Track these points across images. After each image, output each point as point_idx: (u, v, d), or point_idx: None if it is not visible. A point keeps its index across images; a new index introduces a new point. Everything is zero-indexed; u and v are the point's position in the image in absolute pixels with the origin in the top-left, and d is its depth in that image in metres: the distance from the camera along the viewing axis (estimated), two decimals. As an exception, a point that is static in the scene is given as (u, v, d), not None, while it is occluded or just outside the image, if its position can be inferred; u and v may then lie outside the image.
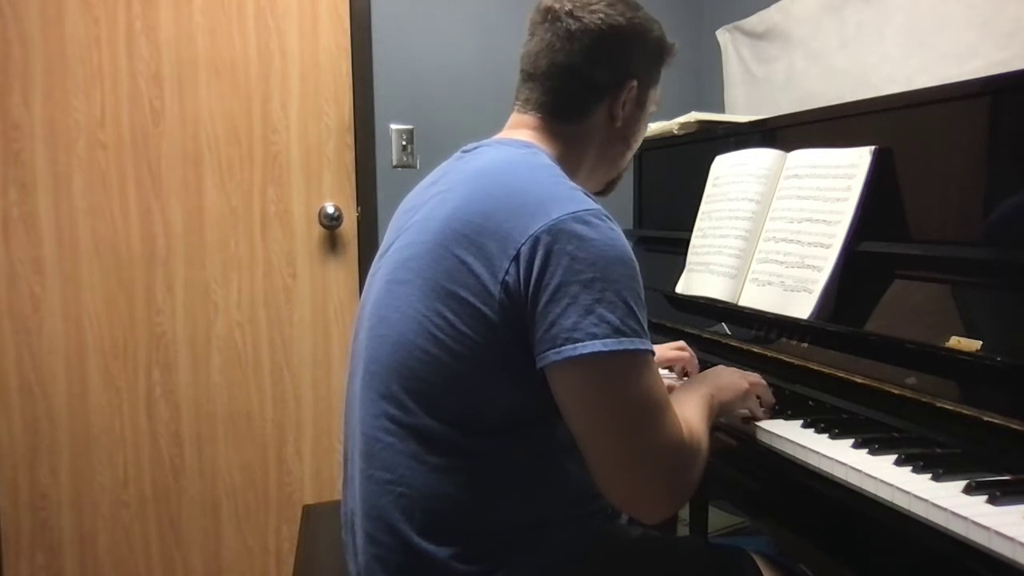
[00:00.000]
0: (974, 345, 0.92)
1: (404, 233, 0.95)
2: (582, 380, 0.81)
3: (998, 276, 0.97)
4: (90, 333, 1.98)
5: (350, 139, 2.16)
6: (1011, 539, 0.68)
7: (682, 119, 1.73)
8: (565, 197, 0.85)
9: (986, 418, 0.87)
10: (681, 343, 1.34)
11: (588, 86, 0.99)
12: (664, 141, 1.83)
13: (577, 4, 0.97)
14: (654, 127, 1.85)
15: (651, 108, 1.08)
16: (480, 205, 0.87)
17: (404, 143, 2.20)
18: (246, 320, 2.10)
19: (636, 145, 1.09)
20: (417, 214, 0.95)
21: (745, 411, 1.08)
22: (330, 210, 2.12)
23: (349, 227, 2.18)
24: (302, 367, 2.17)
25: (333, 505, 1.36)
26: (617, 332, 0.80)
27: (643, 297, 0.85)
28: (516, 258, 0.82)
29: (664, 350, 1.31)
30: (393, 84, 2.17)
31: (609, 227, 0.84)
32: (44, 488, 1.97)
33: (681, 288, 1.56)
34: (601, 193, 1.12)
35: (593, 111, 1.01)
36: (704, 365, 1.36)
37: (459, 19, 2.23)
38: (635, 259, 0.85)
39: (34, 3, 1.88)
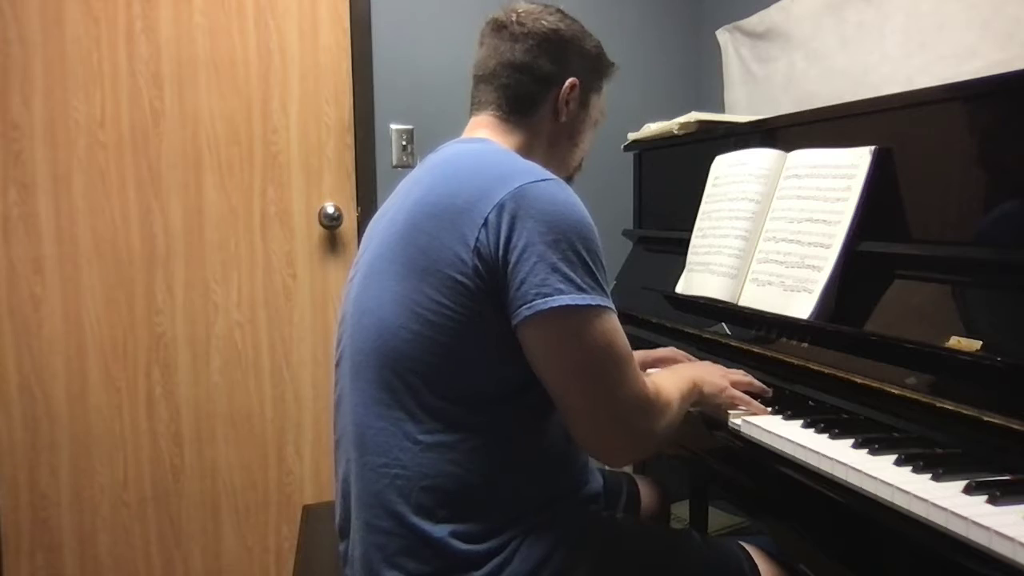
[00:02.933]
0: (974, 345, 0.92)
1: (376, 235, 1.01)
2: (552, 331, 0.87)
3: (998, 276, 0.97)
4: (90, 333, 1.98)
5: (350, 139, 2.16)
6: (1011, 539, 0.68)
7: (682, 119, 1.73)
8: (525, 169, 0.92)
9: (986, 418, 0.87)
10: (672, 348, 1.37)
11: (533, 78, 1.07)
12: (664, 141, 1.84)
13: (522, 14, 1.08)
14: (654, 127, 1.85)
15: (596, 115, 1.16)
16: (445, 187, 0.93)
17: (404, 143, 2.20)
18: (246, 320, 2.10)
19: (584, 148, 1.17)
20: (386, 216, 1.01)
21: (740, 408, 1.10)
22: (330, 210, 2.12)
23: (349, 227, 2.18)
24: (302, 367, 2.17)
25: (333, 505, 1.36)
26: (579, 289, 0.86)
27: (602, 258, 0.91)
28: (485, 224, 0.87)
29: (655, 352, 1.35)
30: (393, 84, 2.18)
31: (567, 193, 0.91)
32: (44, 488, 1.96)
33: (681, 288, 1.56)
34: None
35: (540, 104, 1.08)
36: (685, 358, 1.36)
37: (459, 19, 2.23)
38: (592, 223, 0.92)
39: (34, 3, 1.88)
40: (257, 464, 2.14)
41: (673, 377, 1.04)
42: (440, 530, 0.89)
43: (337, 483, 1.04)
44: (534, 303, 0.85)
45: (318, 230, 2.15)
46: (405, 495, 0.90)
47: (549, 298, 0.85)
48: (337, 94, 2.14)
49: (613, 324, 0.89)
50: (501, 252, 0.86)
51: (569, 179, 1.18)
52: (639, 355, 1.31)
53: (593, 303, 0.87)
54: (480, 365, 0.90)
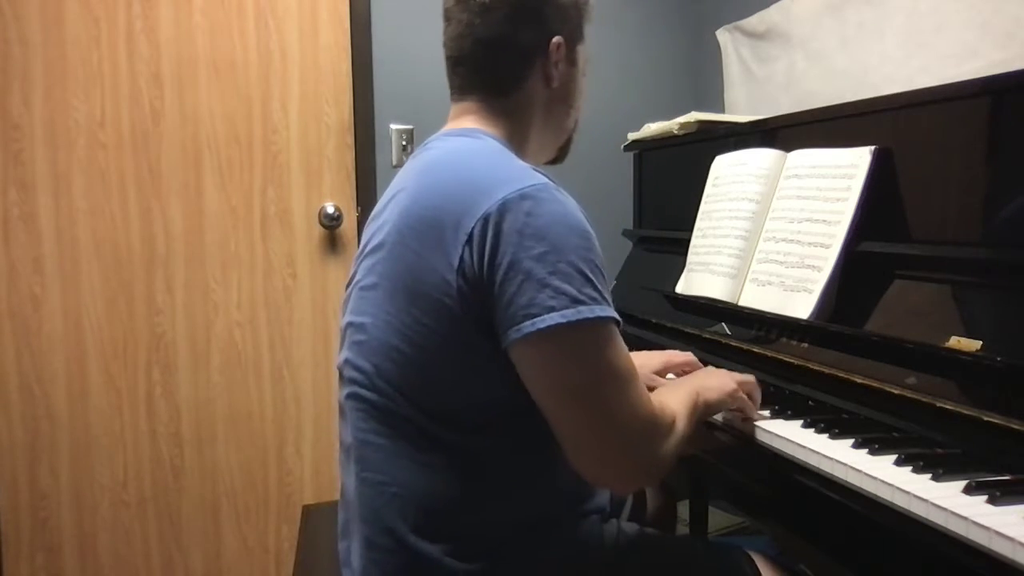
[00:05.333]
0: (974, 345, 0.92)
1: (370, 239, 0.97)
2: (543, 354, 0.80)
3: (998, 276, 0.97)
4: (90, 333, 1.98)
5: (350, 139, 2.16)
6: (1011, 539, 0.68)
7: (682, 119, 1.72)
8: (511, 177, 0.84)
9: (986, 418, 0.87)
10: (689, 353, 1.32)
11: (516, 52, 0.98)
12: (664, 141, 1.83)
13: None
14: (654, 127, 1.85)
15: (583, 65, 1.06)
16: (429, 199, 0.87)
17: (404, 143, 2.20)
18: (246, 320, 2.10)
19: (578, 105, 1.08)
20: (379, 219, 0.97)
21: (736, 411, 1.07)
22: (330, 210, 2.12)
23: (349, 227, 2.18)
24: (302, 367, 2.17)
25: (333, 505, 1.36)
26: (575, 302, 0.79)
27: (600, 265, 0.84)
28: (469, 241, 0.81)
29: (675, 356, 1.30)
30: (393, 84, 2.18)
31: (557, 199, 0.83)
32: (44, 488, 1.97)
33: (681, 288, 1.56)
34: (555, 161, 1.12)
35: (527, 77, 0.99)
36: (705, 365, 1.35)
37: (459, 19, 2.23)
38: (588, 228, 0.84)
39: (34, 3, 1.88)
40: (257, 464, 2.14)
41: (677, 392, 0.97)
42: (437, 550, 0.87)
43: (342, 487, 1.03)
44: (521, 326, 0.79)
45: (318, 230, 2.15)
46: (403, 514, 0.88)
47: (537, 319, 0.78)
48: (337, 94, 2.14)
49: (613, 339, 0.83)
50: (486, 271, 0.81)
51: (568, 142, 1.11)
52: (658, 357, 1.28)
53: (590, 316, 0.79)
54: (471, 388, 0.86)
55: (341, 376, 1.00)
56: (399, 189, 0.95)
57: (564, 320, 0.78)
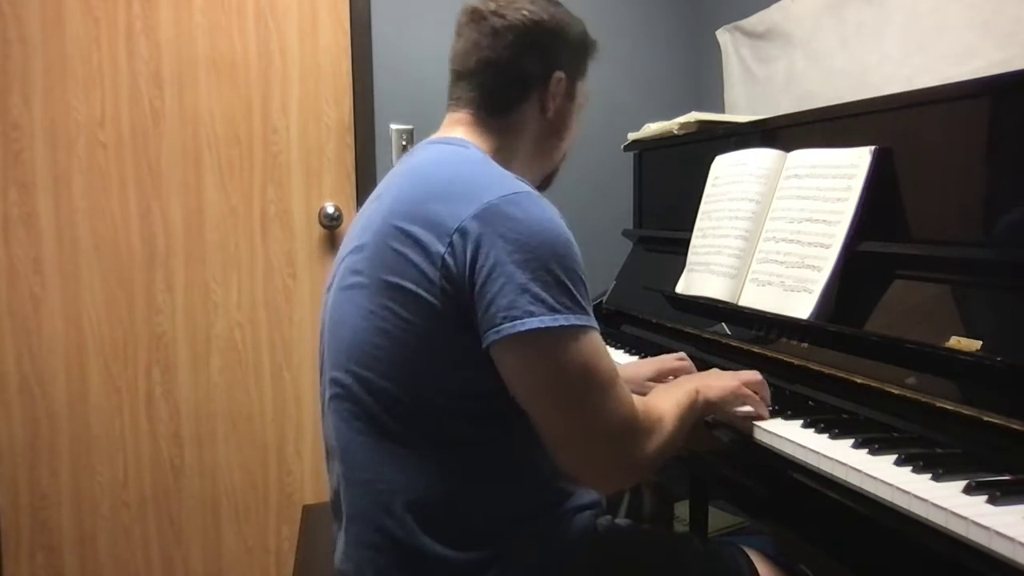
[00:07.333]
0: (974, 345, 0.92)
1: (351, 240, 0.98)
2: (523, 357, 0.83)
3: (998, 276, 0.97)
4: (90, 333, 1.98)
5: (350, 139, 2.16)
6: (1011, 539, 0.67)
7: (682, 119, 1.72)
8: (495, 182, 0.87)
9: (986, 418, 0.87)
10: (682, 354, 1.33)
11: (516, 79, 1.01)
12: (664, 141, 1.83)
13: (501, 3, 1.00)
14: (654, 127, 1.85)
15: (581, 101, 1.09)
16: (411, 198, 0.89)
17: (404, 143, 2.20)
18: (246, 320, 2.10)
19: (569, 139, 1.11)
20: (360, 221, 0.99)
21: (747, 409, 1.07)
22: (330, 210, 2.12)
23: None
24: (302, 367, 2.16)
25: (333, 505, 1.36)
26: (552, 310, 0.81)
27: (580, 272, 0.86)
28: (451, 243, 0.83)
29: (667, 361, 1.31)
30: (393, 84, 2.17)
31: (540, 208, 0.86)
32: (44, 488, 1.96)
33: (681, 288, 1.56)
34: (539, 188, 1.13)
35: (523, 103, 1.02)
36: (705, 366, 1.35)
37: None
38: (569, 236, 0.86)
39: (34, 3, 1.88)
40: (257, 464, 2.14)
41: (671, 391, 0.99)
42: (427, 544, 0.87)
43: (329, 491, 1.03)
44: (501, 327, 0.81)
45: (318, 230, 2.15)
46: (390, 509, 0.89)
47: (518, 321, 0.80)
48: (337, 94, 2.14)
49: (592, 345, 0.85)
50: (468, 274, 0.83)
51: (554, 172, 1.14)
52: (649, 365, 1.29)
53: (568, 324, 0.82)
54: (451, 381, 0.88)
55: (321, 376, 1.01)
56: (382, 192, 0.98)
57: (542, 325, 0.81)
